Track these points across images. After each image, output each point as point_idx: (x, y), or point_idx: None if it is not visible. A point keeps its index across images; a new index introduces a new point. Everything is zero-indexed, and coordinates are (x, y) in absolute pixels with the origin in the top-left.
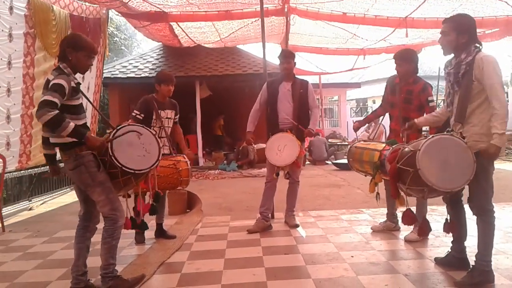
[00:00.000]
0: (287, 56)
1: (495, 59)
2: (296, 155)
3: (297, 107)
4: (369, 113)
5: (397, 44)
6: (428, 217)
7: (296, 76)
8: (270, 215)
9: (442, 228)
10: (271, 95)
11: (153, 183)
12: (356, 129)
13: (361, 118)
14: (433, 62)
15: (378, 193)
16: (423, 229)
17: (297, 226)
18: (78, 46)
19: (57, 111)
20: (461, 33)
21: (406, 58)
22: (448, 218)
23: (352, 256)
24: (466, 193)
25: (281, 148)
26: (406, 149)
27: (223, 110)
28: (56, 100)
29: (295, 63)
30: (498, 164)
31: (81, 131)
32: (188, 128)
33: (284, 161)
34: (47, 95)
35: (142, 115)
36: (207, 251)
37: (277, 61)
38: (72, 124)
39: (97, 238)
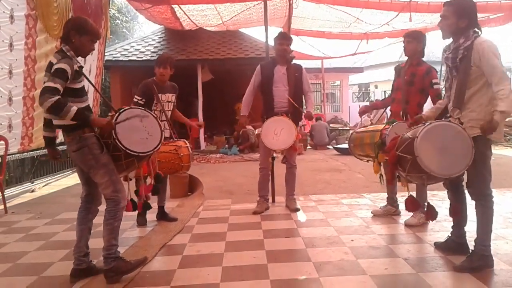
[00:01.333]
0: (286, 37)
1: (493, 43)
2: (293, 139)
3: (292, 91)
4: (373, 99)
5: (401, 29)
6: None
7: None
8: (268, 195)
9: (448, 212)
10: (266, 78)
11: (154, 165)
12: (362, 113)
13: (365, 103)
14: (436, 47)
15: (381, 175)
16: (430, 214)
17: (297, 210)
18: (82, 30)
19: (58, 97)
20: (461, 17)
21: (417, 36)
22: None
23: (352, 240)
24: (466, 178)
25: (278, 132)
26: (405, 136)
27: (225, 94)
28: (57, 85)
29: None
30: (499, 150)
31: (85, 114)
32: (190, 111)
33: (282, 145)
34: (48, 82)
35: (144, 100)
36: (208, 234)
37: None
38: (74, 108)
39: (99, 220)
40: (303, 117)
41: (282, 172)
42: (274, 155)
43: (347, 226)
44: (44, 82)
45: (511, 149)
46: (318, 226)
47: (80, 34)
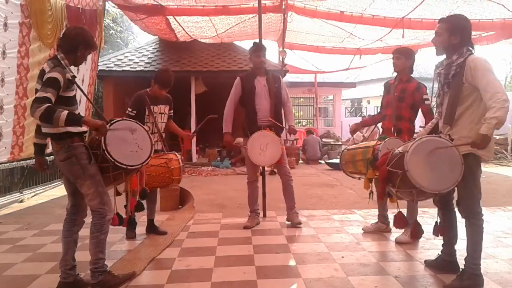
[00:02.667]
0: (259, 49)
1: (486, 60)
2: (279, 154)
3: (274, 103)
4: (365, 115)
5: (394, 45)
6: (419, 219)
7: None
8: (259, 208)
9: (432, 231)
10: (247, 92)
11: (141, 180)
12: (353, 132)
13: (356, 119)
14: (428, 64)
15: (372, 192)
16: (415, 232)
17: (300, 223)
18: (89, 45)
19: (46, 105)
20: (454, 34)
21: (405, 53)
22: (438, 221)
23: (343, 257)
24: (456, 196)
25: (264, 147)
26: (396, 151)
27: (218, 106)
28: (48, 94)
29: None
30: (489, 168)
31: (77, 117)
32: (182, 123)
33: (269, 161)
34: (39, 91)
35: (135, 112)
36: (198, 248)
37: (273, 58)
38: (64, 112)
39: (86, 232)
40: (287, 132)
41: (276, 186)
42: (266, 168)
43: (338, 242)
44: (36, 90)
45: (501, 168)
46: (309, 242)
47: (86, 48)
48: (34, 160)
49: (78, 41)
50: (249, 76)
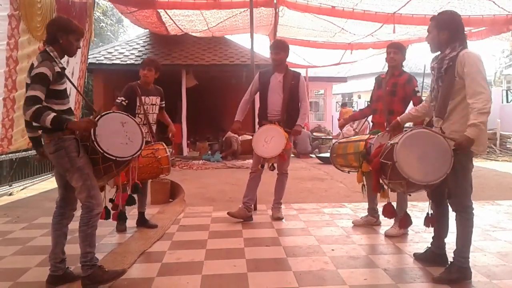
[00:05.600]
0: (276, 46)
1: (478, 55)
2: (282, 147)
3: (287, 99)
4: (356, 108)
5: (385, 40)
6: (408, 212)
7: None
8: (252, 206)
9: (423, 222)
10: (262, 86)
11: (133, 173)
12: (341, 126)
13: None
14: (418, 59)
15: (364, 185)
16: (405, 222)
17: (280, 219)
18: (69, 30)
19: (36, 106)
20: (441, 30)
21: (401, 48)
22: (430, 212)
23: (333, 250)
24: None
25: (268, 140)
26: (388, 143)
27: (209, 100)
28: (37, 93)
29: (287, 54)
30: (479, 163)
31: (61, 120)
32: (173, 117)
33: (270, 153)
34: (29, 90)
35: (126, 101)
36: (188, 241)
37: (265, 52)
38: (50, 116)
39: (76, 225)
40: (291, 133)
41: (267, 180)
42: (264, 163)
43: (328, 235)
44: (26, 84)
45: (489, 162)
46: (299, 235)
47: (67, 33)
48: (23, 153)
49: (54, 28)
50: (268, 72)
